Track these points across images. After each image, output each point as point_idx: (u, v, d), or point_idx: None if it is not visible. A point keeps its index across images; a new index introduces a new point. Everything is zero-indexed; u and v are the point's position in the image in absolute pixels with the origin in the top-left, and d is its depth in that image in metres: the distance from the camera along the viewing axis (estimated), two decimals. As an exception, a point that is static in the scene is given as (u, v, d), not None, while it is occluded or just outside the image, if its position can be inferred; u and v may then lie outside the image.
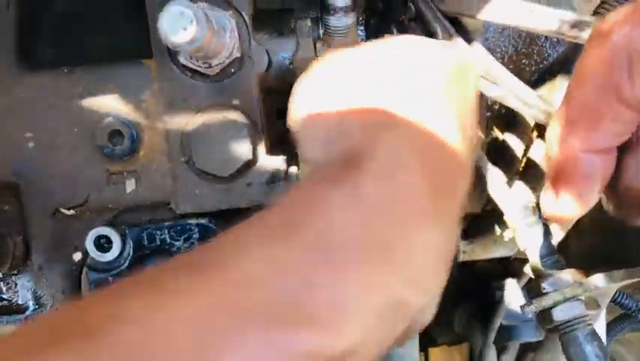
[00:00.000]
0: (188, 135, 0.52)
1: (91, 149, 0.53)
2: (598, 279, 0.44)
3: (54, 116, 0.52)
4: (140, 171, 0.54)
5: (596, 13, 0.64)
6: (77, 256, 0.56)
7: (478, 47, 0.59)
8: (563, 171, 0.34)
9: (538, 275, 0.48)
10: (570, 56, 0.67)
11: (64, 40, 0.54)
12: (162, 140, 0.53)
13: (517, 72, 0.72)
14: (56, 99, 0.52)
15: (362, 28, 0.71)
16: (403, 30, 0.66)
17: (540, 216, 0.51)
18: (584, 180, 0.34)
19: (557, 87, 0.67)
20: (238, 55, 0.51)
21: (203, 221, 0.55)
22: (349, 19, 0.52)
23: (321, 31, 0.54)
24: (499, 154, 0.73)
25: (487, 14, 0.56)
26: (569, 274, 0.45)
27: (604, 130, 0.32)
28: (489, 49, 0.72)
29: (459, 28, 0.61)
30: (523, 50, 0.73)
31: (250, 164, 0.53)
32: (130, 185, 0.54)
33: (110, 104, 0.53)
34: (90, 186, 0.54)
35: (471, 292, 0.92)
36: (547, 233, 0.52)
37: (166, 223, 0.56)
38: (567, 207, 0.35)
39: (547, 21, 0.51)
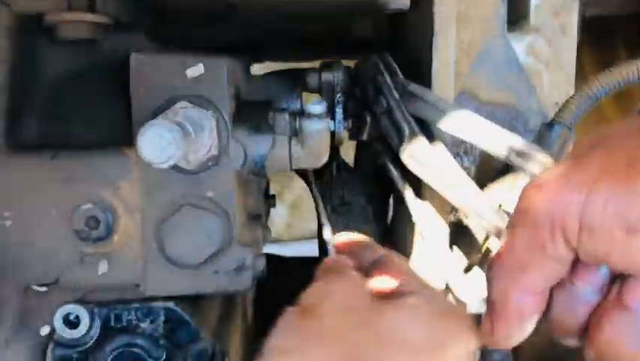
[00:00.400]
0: (163, 224, 0.54)
1: (67, 231, 0.55)
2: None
3: (34, 197, 0.54)
4: (112, 254, 0.56)
5: (564, 107, 0.67)
6: (45, 331, 0.57)
7: (440, 147, 0.62)
8: (495, 307, 0.37)
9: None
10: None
11: (49, 124, 0.56)
12: (137, 226, 0.55)
13: (483, 160, 0.76)
14: (38, 182, 0.54)
15: (340, 110, 0.74)
16: (375, 120, 0.69)
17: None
18: (514, 317, 0.37)
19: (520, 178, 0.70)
20: (216, 153, 0.54)
21: (169, 304, 0.57)
22: (323, 124, 0.55)
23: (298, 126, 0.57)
24: (460, 236, 0.76)
25: (444, 126, 0.59)
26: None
27: (532, 277, 0.36)
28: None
29: (425, 126, 0.64)
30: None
31: (219, 253, 0.56)
32: (102, 267, 0.56)
33: (89, 189, 0.55)
34: (63, 266, 0.55)
35: None
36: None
37: (133, 305, 0.57)
38: (501, 338, 0.38)
39: (498, 145, 0.55)
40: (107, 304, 0.58)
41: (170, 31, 0.77)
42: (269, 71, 0.75)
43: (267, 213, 0.86)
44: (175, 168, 0.54)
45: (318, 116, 0.55)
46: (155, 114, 0.53)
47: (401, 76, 0.69)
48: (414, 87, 0.66)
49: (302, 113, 0.55)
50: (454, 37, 0.68)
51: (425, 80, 0.70)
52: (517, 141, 0.54)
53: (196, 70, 0.53)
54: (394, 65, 0.69)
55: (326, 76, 0.74)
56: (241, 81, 0.64)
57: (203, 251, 0.55)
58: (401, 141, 0.62)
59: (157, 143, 0.42)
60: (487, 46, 0.76)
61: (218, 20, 0.74)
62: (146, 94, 0.53)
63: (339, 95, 0.73)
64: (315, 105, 0.54)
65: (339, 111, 0.73)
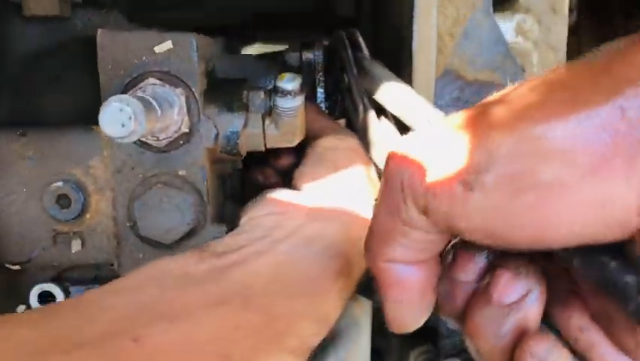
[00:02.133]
0: (134, 202, 0.54)
1: (39, 209, 0.55)
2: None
3: (4, 176, 0.54)
4: (86, 233, 0.56)
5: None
6: (21, 309, 0.57)
7: (385, 122, 0.62)
8: (377, 283, 0.36)
9: None
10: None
11: (18, 102, 0.55)
12: (109, 204, 0.55)
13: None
14: (7, 160, 0.54)
15: (322, 89, 0.74)
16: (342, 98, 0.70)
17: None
18: (392, 288, 0.35)
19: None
20: (186, 130, 0.53)
21: (144, 283, 0.57)
22: (297, 102, 0.54)
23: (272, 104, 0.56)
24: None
25: (381, 98, 0.60)
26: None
27: (395, 245, 0.34)
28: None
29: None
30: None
31: (193, 232, 0.55)
32: (75, 245, 0.55)
33: (59, 168, 0.54)
34: (36, 245, 0.55)
35: (428, 335, 0.94)
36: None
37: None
38: (394, 314, 0.37)
39: (419, 118, 0.55)
40: (83, 282, 0.58)
41: (150, 12, 0.76)
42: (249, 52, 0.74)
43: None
44: (145, 145, 0.54)
45: (291, 93, 0.54)
46: (123, 92, 0.52)
47: (366, 52, 0.68)
48: (368, 63, 0.65)
49: (275, 91, 0.54)
50: (435, 13, 0.66)
51: (406, 58, 0.70)
52: (437, 115, 0.54)
53: (164, 46, 0.52)
54: (360, 40, 0.68)
55: (307, 55, 0.73)
56: (216, 59, 0.64)
57: (176, 230, 0.54)
58: (357, 118, 0.63)
59: (117, 117, 0.41)
60: (472, 23, 0.75)
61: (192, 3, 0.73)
62: (114, 71, 0.52)
63: (320, 74, 0.73)
64: (288, 82, 0.53)
65: (320, 91, 0.73)
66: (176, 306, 0.37)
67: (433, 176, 0.30)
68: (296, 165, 0.64)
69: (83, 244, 0.56)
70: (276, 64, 0.70)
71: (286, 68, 0.76)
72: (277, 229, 0.49)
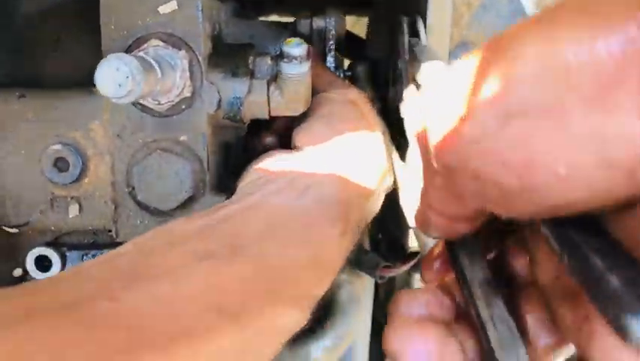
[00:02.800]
0: (134, 167, 0.53)
1: (36, 172, 0.53)
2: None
3: (2, 138, 0.53)
4: (83, 198, 0.55)
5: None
6: (18, 273, 0.57)
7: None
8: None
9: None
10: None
11: (17, 64, 0.54)
12: (108, 169, 0.54)
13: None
14: (6, 122, 0.52)
15: (332, 58, 0.71)
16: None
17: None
18: None
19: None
20: (188, 94, 0.52)
21: (142, 251, 0.56)
22: (303, 68, 0.52)
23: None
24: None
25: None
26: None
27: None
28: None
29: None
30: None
31: (193, 200, 0.54)
32: (73, 210, 0.54)
33: (58, 131, 0.53)
34: (34, 208, 0.54)
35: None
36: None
37: (106, 249, 0.56)
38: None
39: None
40: (80, 247, 0.57)
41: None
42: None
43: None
44: (146, 110, 0.52)
45: (297, 59, 0.52)
46: (126, 52, 0.51)
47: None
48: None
49: (281, 56, 0.52)
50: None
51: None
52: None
53: (169, 6, 0.50)
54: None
55: (318, 23, 0.71)
56: (224, 23, 0.62)
57: (175, 197, 0.53)
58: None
59: (114, 76, 0.39)
60: (490, -5, 0.73)
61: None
62: (116, 32, 0.51)
63: (330, 43, 0.70)
64: (294, 47, 0.51)
65: (330, 60, 0.70)
66: (157, 266, 0.35)
67: (435, 130, 0.28)
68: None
69: (80, 209, 0.55)
70: (285, 31, 0.68)
71: (296, 35, 0.73)
72: (268, 184, 0.47)
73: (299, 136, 0.54)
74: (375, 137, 0.56)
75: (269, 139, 0.63)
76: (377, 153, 0.55)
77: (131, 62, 0.40)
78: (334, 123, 0.54)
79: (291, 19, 0.76)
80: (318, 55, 0.69)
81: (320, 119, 0.55)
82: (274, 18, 1.09)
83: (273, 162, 0.51)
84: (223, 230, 0.40)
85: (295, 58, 0.52)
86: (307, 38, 0.73)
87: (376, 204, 0.54)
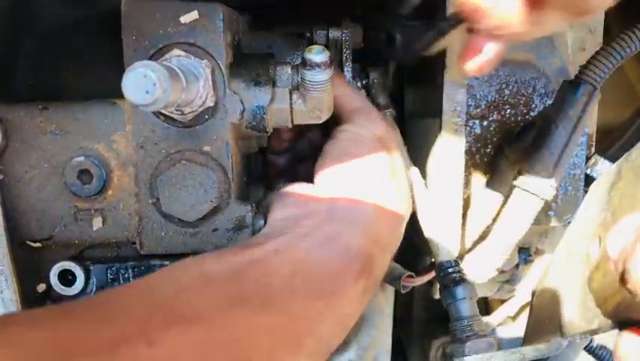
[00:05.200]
0: (157, 178, 0.52)
1: (60, 185, 0.53)
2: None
3: (25, 150, 0.52)
4: (107, 210, 0.54)
5: (588, 63, 0.64)
6: (41, 288, 0.56)
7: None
8: None
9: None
10: (555, 111, 0.66)
11: (40, 77, 0.54)
12: (131, 181, 0.54)
13: (502, 122, 0.72)
14: (29, 134, 0.52)
15: (349, 68, 0.71)
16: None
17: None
18: None
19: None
20: (211, 104, 0.51)
21: (166, 263, 0.56)
22: (326, 75, 0.52)
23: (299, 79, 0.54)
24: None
25: None
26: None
27: None
28: (473, 95, 0.72)
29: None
30: (510, 100, 0.73)
31: (217, 210, 0.53)
32: (97, 223, 0.54)
33: (81, 143, 0.53)
34: (57, 221, 0.54)
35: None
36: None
37: (130, 263, 0.56)
38: None
39: None
40: (104, 261, 0.57)
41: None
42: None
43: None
44: (169, 120, 0.52)
45: (320, 66, 0.51)
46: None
47: None
48: None
49: (303, 64, 0.52)
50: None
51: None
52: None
53: (190, 16, 0.50)
54: None
55: (334, 33, 0.71)
56: (242, 33, 0.62)
57: (200, 208, 0.53)
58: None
59: (142, 83, 0.39)
60: (506, 2, 0.72)
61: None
62: (138, 41, 0.51)
63: (347, 52, 0.70)
64: (317, 54, 0.51)
65: (347, 70, 0.70)
66: (192, 307, 0.36)
67: None
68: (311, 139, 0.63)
69: (104, 222, 0.54)
70: (302, 41, 0.68)
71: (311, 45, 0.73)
72: (296, 227, 0.48)
73: (324, 173, 0.54)
74: (399, 185, 0.55)
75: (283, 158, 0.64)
76: (401, 203, 0.55)
77: (158, 70, 0.39)
78: (361, 170, 0.54)
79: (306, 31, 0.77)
80: (338, 69, 0.69)
81: (345, 159, 0.54)
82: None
83: (300, 199, 0.52)
84: (254, 274, 0.42)
85: (318, 65, 0.51)
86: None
87: (396, 248, 0.56)
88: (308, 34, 0.73)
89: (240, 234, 0.54)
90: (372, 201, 0.51)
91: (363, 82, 0.71)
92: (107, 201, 0.54)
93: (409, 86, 0.83)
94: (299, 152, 0.69)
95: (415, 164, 0.67)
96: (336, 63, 0.72)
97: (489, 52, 0.44)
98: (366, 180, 0.53)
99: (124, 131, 0.53)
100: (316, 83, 0.52)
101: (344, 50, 0.71)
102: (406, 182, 0.57)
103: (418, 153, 0.73)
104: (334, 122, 0.62)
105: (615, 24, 1.12)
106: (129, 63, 0.51)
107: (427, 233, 0.63)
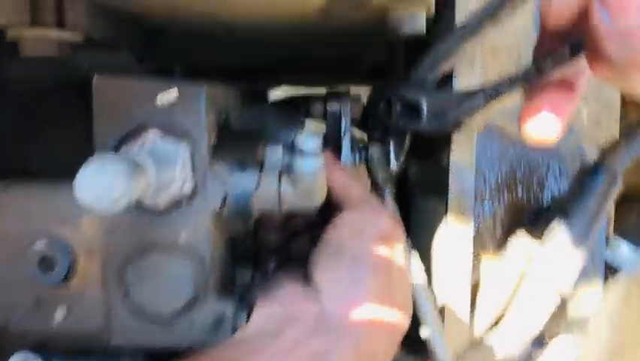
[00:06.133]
0: (128, 267, 0.47)
1: (20, 272, 0.48)
2: None
3: (-17, 232, 0.48)
4: (71, 300, 0.49)
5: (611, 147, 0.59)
6: (-3, 380, 0.51)
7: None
8: None
9: None
10: (572, 200, 0.61)
11: (8, 147, 0.50)
12: (99, 269, 0.49)
13: (513, 203, 0.67)
14: (-12, 215, 0.48)
15: (347, 141, 0.67)
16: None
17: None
18: None
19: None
20: (190, 190, 0.47)
21: (138, 359, 0.50)
22: (317, 163, 0.47)
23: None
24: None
25: None
26: None
27: None
28: (482, 174, 0.67)
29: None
30: (522, 180, 0.68)
31: (193, 304, 0.48)
32: (60, 313, 0.49)
33: (45, 226, 0.48)
34: (15, 311, 0.49)
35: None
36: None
37: (97, 356, 0.51)
38: None
39: None
40: (68, 353, 0.51)
41: (166, 54, 0.71)
42: (271, 101, 0.68)
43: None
44: (143, 205, 0.47)
45: (311, 153, 0.47)
46: (120, 144, 0.46)
47: None
48: None
49: (293, 149, 0.47)
50: (478, 67, 0.59)
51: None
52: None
53: (169, 96, 0.46)
54: None
55: (332, 106, 0.67)
56: (233, 109, 0.58)
57: (173, 302, 0.48)
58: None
59: (96, 184, 0.35)
60: (518, 77, 0.68)
61: (217, 43, 0.68)
62: (110, 121, 0.46)
63: (346, 126, 0.66)
64: (308, 140, 0.47)
65: (346, 144, 0.66)
66: None
67: None
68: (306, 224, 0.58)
69: (68, 312, 0.49)
70: (298, 114, 0.64)
71: (311, 117, 0.69)
72: (279, 338, 0.43)
73: (317, 272, 0.49)
74: (400, 291, 0.50)
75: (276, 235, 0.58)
76: (400, 312, 0.49)
77: (119, 167, 0.35)
78: (359, 274, 0.48)
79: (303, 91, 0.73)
80: (337, 151, 0.65)
81: (342, 258, 0.48)
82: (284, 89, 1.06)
83: (289, 301, 0.47)
84: None
85: (309, 152, 0.47)
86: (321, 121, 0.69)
87: None
88: (305, 106, 0.69)
89: (219, 330, 0.49)
90: (368, 312, 0.45)
91: (362, 156, 0.66)
92: (71, 291, 0.49)
93: (412, 157, 0.78)
94: (293, 227, 0.64)
95: (418, 244, 0.62)
96: (335, 137, 0.67)
97: (564, 109, 0.36)
98: (364, 286, 0.47)
99: (92, 215, 0.48)
100: (307, 171, 0.47)
101: (343, 123, 0.66)
102: (407, 286, 0.51)
103: (421, 231, 0.68)
104: (335, 204, 0.57)
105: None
106: (99, 144, 0.47)
107: (425, 332, 0.57)
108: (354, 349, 0.43)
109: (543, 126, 0.36)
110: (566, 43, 0.38)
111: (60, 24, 0.48)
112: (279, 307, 0.46)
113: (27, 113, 0.51)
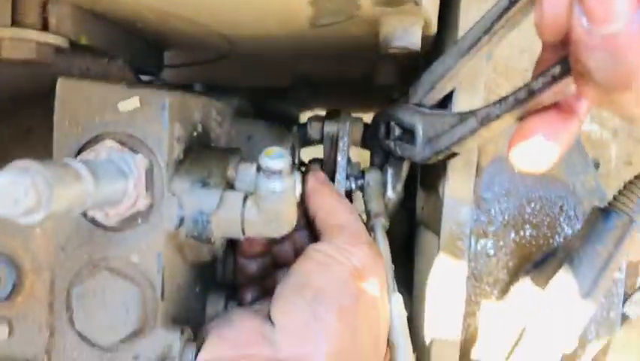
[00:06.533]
0: (74, 290, 0.44)
1: (-38, 285, 0.45)
2: None
3: None
4: (15, 320, 0.46)
5: (626, 189, 0.53)
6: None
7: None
8: None
9: None
10: (582, 244, 0.55)
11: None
12: (46, 288, 0.45)
13: (520, 244, 0.61)
14: None
15: (344, 165, 0.62)
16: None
17: None
18: None
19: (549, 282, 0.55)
20: (143, 208, 0.43)
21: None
22: (285, 184, 0.43)
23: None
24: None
25: None
26: None
27: None
28: (487, 210, 0.61)
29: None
30: (531, 219, 0.62)
31: (139, 334, 0.44)
32: (1, 333, 0.45)
33: (-8, 238, 0.45)
34: (-45, 327, 0.46)
35: None
36: None
37: (38, 383, 0.47)
38: None
39: None
40: (10, 377, 0.48)
41: (166, 64, 0.68)
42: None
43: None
44: (95, 222, 0.44)
45: (278, 173, 0.42)
46: (78, 153, 0.43)
47: None
48: None
49: (258, 169, 0.43)
50: (482, 89, 0.54)
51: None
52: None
53: (130, 103, 0.43)
54: None
55: (329, 127, 0.62)
56: (217, 122, 0.54)
57: (118, 330, 0.43)
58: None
59: (10, 191, 0.31)
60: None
61: (219, 57, 0.65)
62: (70, 128, 0.43)
63: (343, 149, 0.61)
64: (274, 159, 0.42)
65: (342, 167, 0.61)
66: None
67: None
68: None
69: (10, 332, 0.46)
70: (288, 133, 0.60)
71: (305, 139, 0.65)
72: None
73: (277, 308, 0.44)
74: (368, 336, 0.45)
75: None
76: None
77: (36, 175, 0.31)
78: (321, 313, 0.43)
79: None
80: (331, 174, 0.60)
81: (306, 297, 0.44)
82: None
83: (241, 341, 0.43)
84: None
85: (274, 172, 0.42)
86: (317, 142, 0.65)
87: None
88: (301, 126, 0.65)
89: (166, 364, 0.44)
90: (325, 359, 0.40)
91: (358, 183, 0.62)
92: (15, 310, 0.45)
93: (421, 186, 0.73)
94: (278, 257, 0.59)
95: (419, 275, 0.57)
96: (330, 159, 0.63)
97: (559, 135, 0.32)
98: (324, 327, 0.42)
99: (44, 229, 0.45)
100: (272, 193, 0.43)
101: (340, 146, 0.62)
102: (378, 328, 0.46)
103: (421, 262, 0.62)
104: (318, 231, 0.52)
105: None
106: (59, 152, 0.44)
107: None
108: None
109: (533, 152, 0.32)
110: (558, 61, 0.33)
111: (44, 27, 0.45)
112: (228, 350, 0.42)
113: (6, 119, 0.48)
